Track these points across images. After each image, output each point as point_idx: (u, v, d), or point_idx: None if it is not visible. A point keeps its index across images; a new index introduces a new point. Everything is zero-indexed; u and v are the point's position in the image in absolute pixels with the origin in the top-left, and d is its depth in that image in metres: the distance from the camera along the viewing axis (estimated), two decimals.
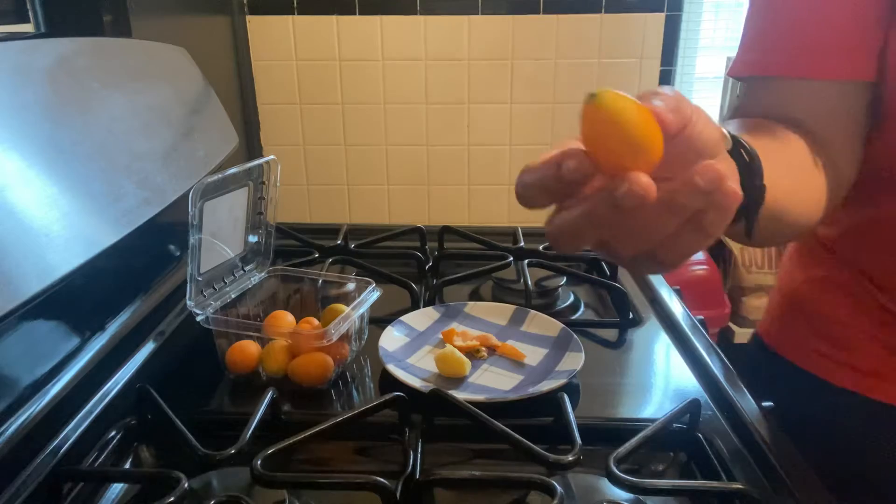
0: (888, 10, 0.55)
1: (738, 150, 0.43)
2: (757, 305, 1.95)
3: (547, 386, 0.63)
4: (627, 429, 0.57)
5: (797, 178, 0.53)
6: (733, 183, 0.31)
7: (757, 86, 0.62)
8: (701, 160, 0.33)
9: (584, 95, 0.30)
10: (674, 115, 0.32)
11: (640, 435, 0.54)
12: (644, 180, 0.29)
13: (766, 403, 0.62)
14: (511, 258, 0.93)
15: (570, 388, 0.64)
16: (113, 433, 0.59)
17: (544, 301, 0.87)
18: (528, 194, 0.33)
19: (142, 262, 0.83)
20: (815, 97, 0.58)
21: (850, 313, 0.67)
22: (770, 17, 0.61)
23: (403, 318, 0.78)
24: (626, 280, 0.93)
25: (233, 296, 0.75)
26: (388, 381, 0.66)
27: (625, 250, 0.35)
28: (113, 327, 0.72)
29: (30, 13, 0.81)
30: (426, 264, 0.96)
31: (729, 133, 0.43)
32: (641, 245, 0.34)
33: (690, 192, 0.31)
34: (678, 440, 0.59)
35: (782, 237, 0.62)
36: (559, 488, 0.48)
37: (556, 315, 0.80)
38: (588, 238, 0.34)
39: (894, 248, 0.63)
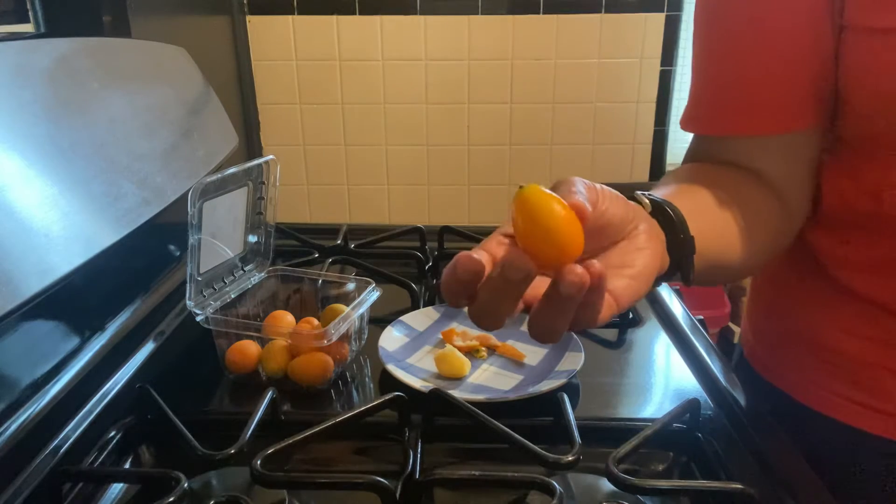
0: (830, 49, 0.54)
1: (662, 209, 0.47)
2: None
3: (547, 386, 0.63)
4: (627, 429, 0.57)
5: (736, 225, 0.54)
6: (596, 270, 0.35)
7: (703, 139, 0.63)
8: (616, 229, 0.41)
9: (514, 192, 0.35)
10: (587, 205, 0.36)
11: (640, 435, 0.54)
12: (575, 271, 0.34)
13: None
14: None
15: (570, 388, 0.64)
16: (113, 433, 0.59)
17: None
18: (488, 313, 0.37)
19: (142, 262, 0.83)
20: (762, 150, 0.59)
21: (869, 349, 0.61)
22: (712, 70, 0.60)
23: (403, 318, 0.78)
24: None
25: (233, 296, 0.75)
26: (387, 381, 0.66)
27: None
28: (113, 327, 0.72)
29: (30, 13, 0.81)
30: (426, 264, 0.96)
31: (650, 197, 0.48)
32: (551, 323, 0.37)
33: (562, 298, 0.34)
34: (678, 440, 0.59)
35: (722, 279, 0.63)
36: (559, 488, 0.48)
37: None
38: (503, 314, 0.37)
39: None
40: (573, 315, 0.36)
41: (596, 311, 0.37)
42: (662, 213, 0.47)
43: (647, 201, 0.48)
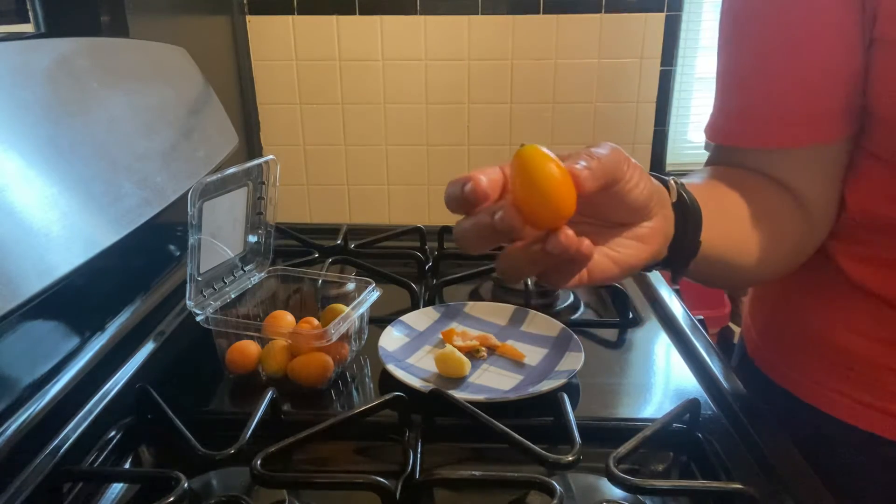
0: (861, 62, 0.54)
1: (683, 206, 0.48)
2: None
3: (547, 386, 0.63)
4: (627, 429, 0.57)
5: (753, 231, 0.55)
6: (586, 247, 0.37)
7: (728, 149, 0.62)
8: (630, 213, 0.42)
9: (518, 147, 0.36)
10: (591, 178, 0.37)
11: (640, 435, 0.54)
12: (561, 238, 0.36)
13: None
14: None
15: (570, 388, 0.64)
16: (113, 433, 0.59)
17: (544, 301, 0.87)
18: (468, 242, 0.39)
19: (142, 262, 0.83)
20: (789, 161, 0.58)
21: (878, 350, 0.61)
22: (742, 83, 0.60)
23: (403, 318, 0.78)
24: (625, 280, 0.94)
25: (233, 296, 0.75)
26: (387, 381, 0.66)
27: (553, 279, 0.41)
28: (113, 327, 0.72)
29: (30, 13, 0.81)
30: (426, 264, 0.96)
31: (678, 186, 0.48)
32: (521, 266, 0.39)
33: (543, 251, 0.37)
34: (678, 440, 0.59)
35: (731, 282, 0.62)
36: (559, 488, 0.48)
37: (556, 315, 0.80)
38: (527, 271, 0.40)
39: None
40: (543, 269, 0.39)
41: (566, 277, 0.40)
42: (682, 211, 0.47)
43: (676, 191, 0.48)
